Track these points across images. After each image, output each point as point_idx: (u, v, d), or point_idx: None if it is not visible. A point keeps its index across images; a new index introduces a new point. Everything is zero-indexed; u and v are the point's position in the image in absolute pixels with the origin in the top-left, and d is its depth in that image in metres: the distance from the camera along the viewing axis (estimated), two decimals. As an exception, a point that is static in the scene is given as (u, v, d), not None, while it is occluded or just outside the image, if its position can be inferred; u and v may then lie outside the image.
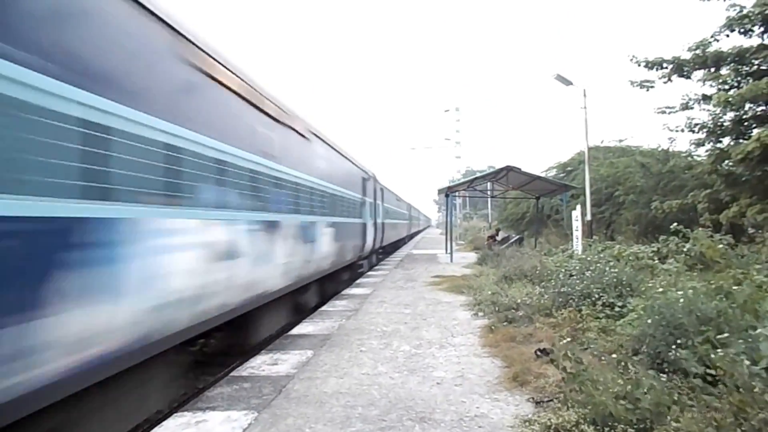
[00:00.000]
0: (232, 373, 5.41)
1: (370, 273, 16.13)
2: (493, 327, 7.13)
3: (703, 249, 8.97)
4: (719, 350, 3.67)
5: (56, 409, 2.97)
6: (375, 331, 7.33)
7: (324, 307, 9.53)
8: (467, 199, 49.32)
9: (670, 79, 14.62)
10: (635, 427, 3.27)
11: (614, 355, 4.69)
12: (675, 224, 10.71)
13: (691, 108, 14.73)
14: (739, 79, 13.41)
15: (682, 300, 4.66)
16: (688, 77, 14.47)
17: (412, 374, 5.22)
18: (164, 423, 4.02)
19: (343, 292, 11.58)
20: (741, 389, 3.08)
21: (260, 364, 5.67)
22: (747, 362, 3.30)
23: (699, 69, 14.15)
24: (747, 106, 12.74)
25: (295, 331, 7.48)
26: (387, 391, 4.71)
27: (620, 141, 26.83)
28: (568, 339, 5.58)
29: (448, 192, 22.47)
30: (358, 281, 13.84)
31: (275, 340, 6.96)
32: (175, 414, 4.22)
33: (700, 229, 10.92)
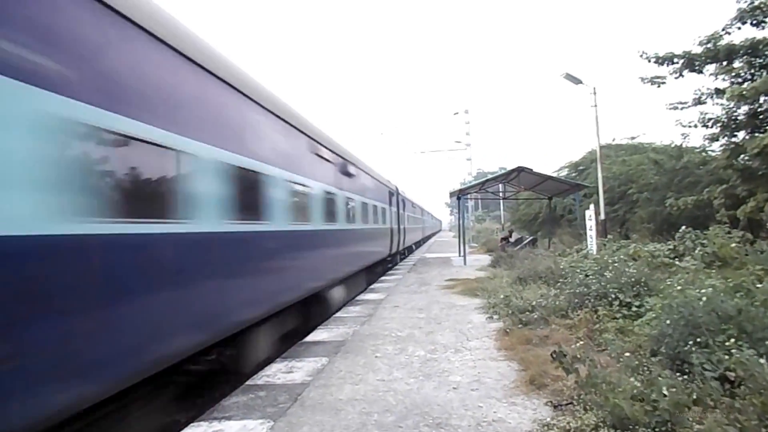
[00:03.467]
0: (247, 382, 5.41)
1: (383, 278, 16.09)
2: (508, 330, 7.06)
3: (716, 248, 8.81)
4: (735, 352, 3.59)
5: None
6: (389, 336, 7.29)
7: (338, 314, 9.52)
8: (479, 201, 49.12)
9: (681, 75, 14.44)
10: (655, 429, 3.20)
11: (627, 354, 4.61)
12: (684, 227, 10.58)
13: (704, 103, 14.53)
14: (752, 71, 13.21)
15: (704, 298, 4.56)
16: (700, 72, 14.27)
17: (427, 379, 5.18)
18: (181, 433, 4.02)
19: (357, 298, 11.57)
20: (763, 390, 3.01)
21: (275, 372, 5.67)
22: (762, 362, 3.23)
23: (711, 63, 13.95)
24: (762, 98, 12.53)
25: (310, 338, 7.48)
26: (403, 397, 4.68)
27: (632, 138, 26.54)
28: (584, 340, 5.52)
29: (460, 194, 22.36)
30: (371, 286, 13.80)
31: (290, 348, 6.96)
32: (191, 424, 4.23)
33: (716, 225, 10.74)
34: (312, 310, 8.69)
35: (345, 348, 6.70)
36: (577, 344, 5.35)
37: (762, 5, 12.50)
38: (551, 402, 4.28)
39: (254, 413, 4.41)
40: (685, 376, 3.89)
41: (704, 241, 9.76)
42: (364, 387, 5.01)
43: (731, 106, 13.29)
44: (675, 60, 14.33)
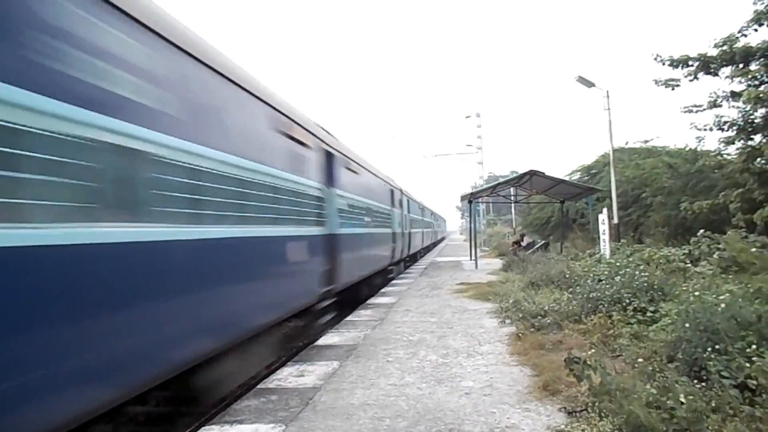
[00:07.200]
0: (259, 386, 5.41)
1: (394, 282, 16.07)
2: (521, 334, 7.00)
3: (735, 252, 8.63)
4: (757, 359, 3.51)
5: None
6: (401, 340, 7.26)
7: (349, 317, 9.51)
8: (491, 204, 48.86)
9: (696, 77, 14.24)
10: (674, 438, 3.14)
11: (641, 360, 4.53)
12: (702, 230, 10.35)
13: (720, 105, 14.31)
14: (770, 74, 12.99)
15: (723, 304, 4.47)
16: (716, 74, 14.07)
17: (439, 384, 5.14)
18: (193, 437, 4.03)
19: (368, 302, 11.55)
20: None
21: (287, 376, 5.67)
22: None
23: (726, 65, 13.75)
24: (779, 101, 12.32)
25: (321, 341, 7.47)
26: (415, 402, 4.65)
27: (645, 142, 26.21)
28: (598, 346, 5.44)
29: (471, 198, 22.28)
30: (383, 290, 13.78)
31: (301, 351, 6.96)
32: (203, 428, 4.23)
33: (733, 230, 10.55)
34: None
35: (356, 352, 6.68)
36: (591, 350, 5.28)
37: (780, 7, 12.32)
38: (565, 408, 4.23)
39: (266, 417, 4.40)
40: (703, 384, 3.82)
41: (720, 245, 9.60)
42: (376, 391, 4.99)
43: (748, 109, 13.09)
44: (690, 63, 14.14)
